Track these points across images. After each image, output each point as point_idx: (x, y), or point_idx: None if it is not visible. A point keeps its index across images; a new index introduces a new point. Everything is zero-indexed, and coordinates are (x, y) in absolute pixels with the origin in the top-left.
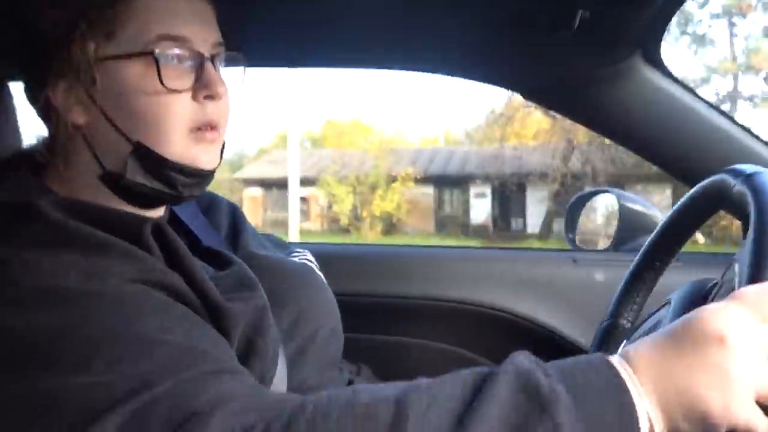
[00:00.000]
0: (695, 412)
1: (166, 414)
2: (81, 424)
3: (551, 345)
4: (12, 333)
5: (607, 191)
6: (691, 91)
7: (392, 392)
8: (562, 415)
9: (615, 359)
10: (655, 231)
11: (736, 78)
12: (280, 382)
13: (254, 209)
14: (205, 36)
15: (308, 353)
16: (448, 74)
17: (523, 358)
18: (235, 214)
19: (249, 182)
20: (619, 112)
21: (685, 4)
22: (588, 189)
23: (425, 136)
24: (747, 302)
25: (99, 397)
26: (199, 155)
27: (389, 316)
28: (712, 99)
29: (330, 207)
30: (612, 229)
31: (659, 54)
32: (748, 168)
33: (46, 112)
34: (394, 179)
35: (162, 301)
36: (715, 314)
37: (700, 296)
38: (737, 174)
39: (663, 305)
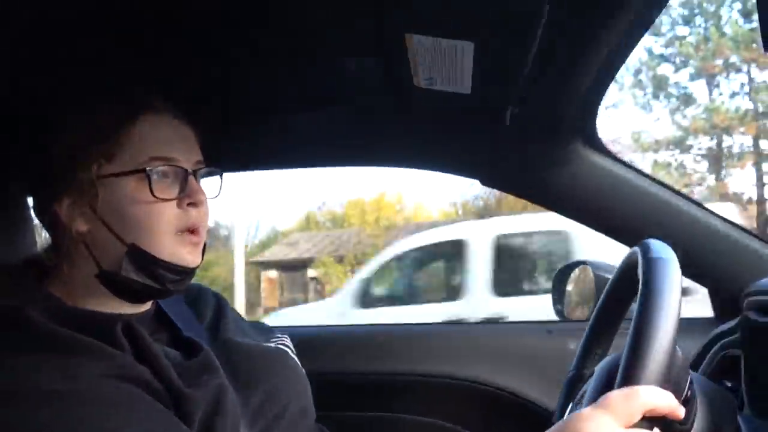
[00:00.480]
0: None
1: None
2: None
3: (531, 415)
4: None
5: (584, 263)
6: (629, 165)
7: None
8: None
9: None
10: (602, 294)
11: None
12: None
13: (271, 290)
14: (189, 155)
15: (276, 430)
16: (411, 167)
17: None
18: (219, 304)
19: (267, 265)
20: (567, 191)
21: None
22: (568, 261)
23: (443, 208)
24: (612, 409)
25: None
26: (184, 255)
27: (377, 393)
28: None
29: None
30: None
31: (596, 136)
32: (653, 245)
33: (52, 223)
34: None
35: (128, 396)
36: (583, 424)
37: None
38: (644, 250)
39: (591, 375)
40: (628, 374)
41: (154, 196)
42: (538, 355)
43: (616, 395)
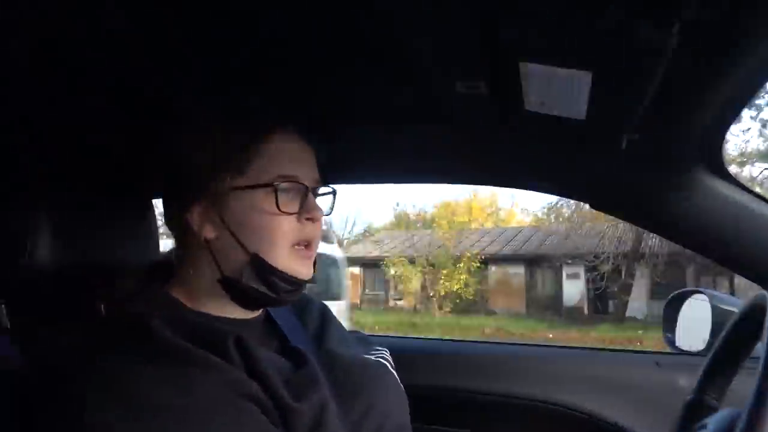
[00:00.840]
0: None
1: None
2: None
3: None
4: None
5: (700, 291)
6: (757, 195)
7: None
8: None
9: None
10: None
11: None
12: None
13: (354, 286)
14: (309, 174)
15: None
16: (519, 188)
17: None
18: (324, 316)
19: (351, 261)
20: (686, 220)
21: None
22: (682, 289)
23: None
24: None
25: None
26: (299, 268)
27: (469, 411)
28: None
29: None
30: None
31: (721, 163)
32: None
33: (181, 229)
34: (458, 259)
35: (239, 410)
36: None
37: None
38: None
39: (699, 427)
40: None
41: (278, 208)
42: (645, 387)
43: None
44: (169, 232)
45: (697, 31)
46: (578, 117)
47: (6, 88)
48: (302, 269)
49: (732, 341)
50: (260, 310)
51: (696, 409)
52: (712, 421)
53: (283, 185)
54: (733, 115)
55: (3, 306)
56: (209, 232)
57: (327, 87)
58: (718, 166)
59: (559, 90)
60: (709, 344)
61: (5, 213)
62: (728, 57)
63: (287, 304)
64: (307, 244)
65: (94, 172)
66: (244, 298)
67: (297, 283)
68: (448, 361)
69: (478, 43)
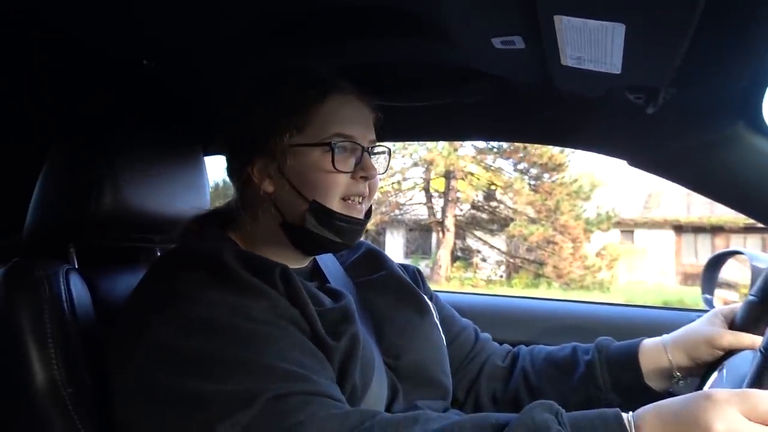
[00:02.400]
0: None
1: (265, 424)
2: (215, 419)
3: None
4: (176, 350)
5: (740, 252)
6: None
7: (441, 427)
8: None
9: (628, 418)
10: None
11: None
12: (375, 398)
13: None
14: (365, 134)
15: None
16: (555, 144)
17: (541, 409)
18: (373, 255)
19: None
20: (726, 177)
21: None
22: (721, 250)
23: None
24: (747, 401)
25: (228, 401)
26: (352, 213)
27: None
28: None
29: None
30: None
31: (762, 119)
32: None
33: (243, 182)
34: None
35: (283, 331)
36: (713, 407)
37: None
38: None
39: (718, 369)
40: None
41: (334, 167)
42: None
43: (761, 396)
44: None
45: None
46: (614, 71)
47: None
48: (355, 214)
49: None
50: (310, 259)
51: (757, 310)
52: (731, 365)
53: (340, 144)
54: None
55: (72, 248)
56: (268, 186)
57: (366, 49)
58: (758, 122)
59: (594, 43)
60: None
61: (72, 165)
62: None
63: (349, 246)
64: (361, 197)
65: (152, 126)
66: (307, 242)
67: (357, 222)
68: (484, 316)
69: None
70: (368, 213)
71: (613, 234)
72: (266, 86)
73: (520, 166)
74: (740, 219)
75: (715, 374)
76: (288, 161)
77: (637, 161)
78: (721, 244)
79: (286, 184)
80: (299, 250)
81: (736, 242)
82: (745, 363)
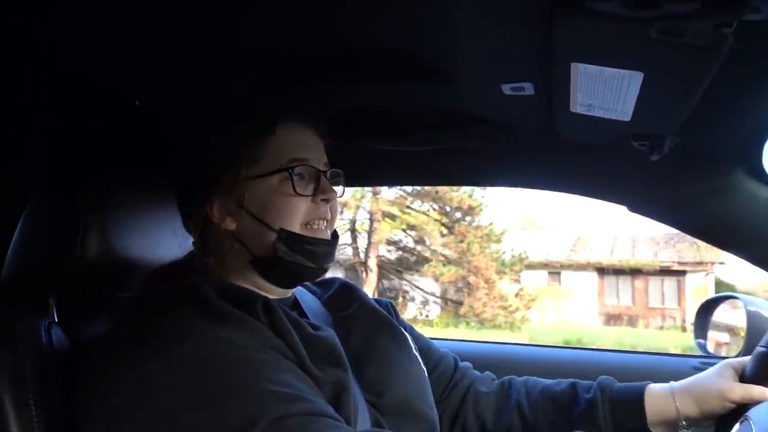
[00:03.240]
0: None
1: None
2: None
3: None
4: (165, 386)
5: (735, 297)
6: None
7: None
8: None
9: None
10: None
11: None
12: (361, 427)
13: None
14: (320, 158)
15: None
16: (557, 190)
17: None
18: (347, 290)
19: None
20: (726, 223)
21: None
22: (716, 294)
23: None
24: None
25: (224, 429)
26: (319, 235)
27: None
28: None
29: None
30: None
31: (761, 166)
32: None
33: (203, 224)
34: None
35: (274, 358)
36: None
37: None
38: None
39: (741, 422)
40: None
41: (295, 191)
42: None
43: None
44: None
45: (749, 32)
46: (623, 119)
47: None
48: (321, 236)
49: None
50: (290, 292)
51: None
52: (757, 415)
53: (297, 169)
54: None
55: (52, 299)
56: (230, 224)
57: (372, 91)
58: (758, 169)
59: (607, 91)
60: (744, 350)
61: (57, 211)
62: None
63: (324, 270)
64: (324, 223)
65: (136, 173)
66: (281, 273)
67: (325, 243)
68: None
69: (528, 44)
70: (334, 234)
71: (541, 276)
72: (216, 125)
73: (436, 208)
74: (656, 262)
75: (737, 426)
76: (246, 195)
77: (636, 207)
78: (640, 286)
79: (247, 218)
80: (274, 283)
81: (654, 284)
82: None
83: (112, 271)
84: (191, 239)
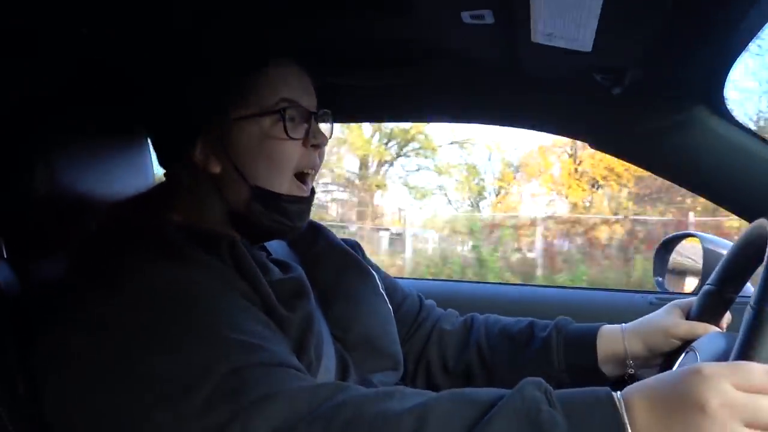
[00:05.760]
0: None
1: (227, 401)
2: (166, 398)
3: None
4: (119, 326)
5: (693, 234)
6: (758, 136)
7: (420, 403)
8: None
9: (618, 397)
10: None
11: None
12: (325, 371)
13: None
14: (310, 100)
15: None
16: (518, 126)
17: (532, 386)
18: (316, 231)
19: None
20: (686, 160)
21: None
22: (674, 233)
23: None
24: (739, 373)
25: (180, 377)
26: (299, 193)
27: None
28: None
29: None
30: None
31: (723, 103)
32: None
33: (183, 166)
34: None
35: (233, 301)
36: (704, 382)
37: (722, 352)
38: None
39: (686, 352)
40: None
41: (287, 134)
42: None
43: (752, 366)
44: None
45: None
46: (584, 49)
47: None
48: (300, 193)
49: (746, 245)
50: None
51: (714, 300)
52: (700, 345)
53: (290, 111)
54: (736, 54)
55: (1, 237)
56: (215, 167)
57: (328, 23)
58: (719, 106)
59: (567, 18)
60: (700, 287)
61: (4, 146)
62: None
63: (299, 229)
64: (306, 174)
65: (89, 106)
66: (255, 231)
67: (303, 201)
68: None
69: None
70: (312, 190)
71: None
72: (202, 58)
73: None
74: None
75: (682, 357)
76: (233, 136)
77: (599, 143)
78: None
79: (230, 166)
80: (245, 237)
81: None
82: (714, 342)
83: (65, 207)
84: (147, 176)
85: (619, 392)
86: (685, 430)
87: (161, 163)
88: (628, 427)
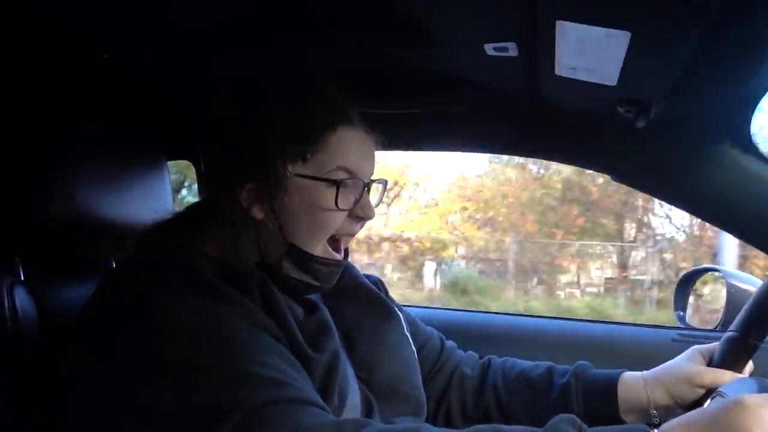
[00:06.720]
0: None
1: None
2: (197, 428)
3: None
4: (143, 360)
5: (716, 269)
6: None
7: None
8: None
9: None
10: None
11: None
12: (350, 413)
13: None
14: (368, 169)
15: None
16: (539, 157)
17: (565, 422)
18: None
19: None
20: (710, 196)
21: None
22: (697, 266)
23: None
24: None
25: (205, 412)
26: (333, 255)
27: None
28: None
29: None
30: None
31: (749, 138)
32: None
33: (226, 203)
34: None
35: (261, 338)
36: (747, 412)
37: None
38: None
39: (712, 397)
40: None
41: (336, 205)
42: (660, 362)
43: None
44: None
45: None
46: (609, 83)
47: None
48: (336, 256)
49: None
50: None
51: (738, 347)
52: (728, 390)
53: (344, 180)
54: (764, 91)
55: (18, 260)
56: (258, 213)
57: (355, 52)
58: (745, 141)
59: (592, 52)
60: (723, 323)
61: (23, 168)
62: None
63: (326, 290)
64: (341, 240)
65: (110, 130)
66: (283, 285)
67: (334, 264)
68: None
69: (511, 0)
70: (346, 252)
71: None
72: (272, 98)
73: None
74: None
75: (708, 401)
76: (283, 191)
77: (620, 176)
78: None
79: (272, 218)
80: (282, 293)
81: None
82: (744, 385)
83: (82, 232)
84: (166, 201)
85: (656, 429)
86: None
87: (202, 191)
88: None
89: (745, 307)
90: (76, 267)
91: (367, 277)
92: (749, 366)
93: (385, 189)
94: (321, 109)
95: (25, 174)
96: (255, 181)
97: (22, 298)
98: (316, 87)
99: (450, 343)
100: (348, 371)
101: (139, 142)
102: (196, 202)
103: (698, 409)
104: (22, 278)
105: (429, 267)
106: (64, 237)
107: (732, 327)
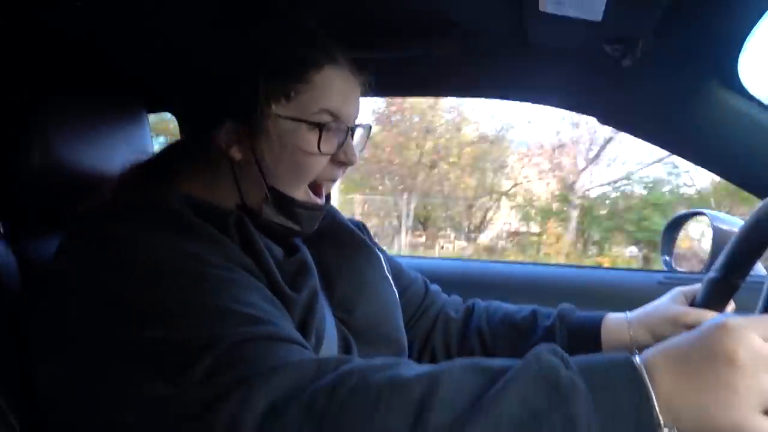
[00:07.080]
0: (707, 428)
1: (229, 371)
2: (169, 370)
3: None
4: (120, 298)
5: (702, 213)
6: None
7: (430, 369)
8: (579, 405)
9: (637, 360)
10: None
11: None
12: (328, 352)
13: None
14: (353, 113)
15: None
16: (524, 100)
17: (547, 351)
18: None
19: None
20: (697, 135)
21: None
22: (683, 211)
23: None
24: (762, 325)
25: (180, 349)
26: (315, 200)
27: None
28: None
29: None
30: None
31: (737, 77)
32: None
33: (203, 146)
34: None
35: (239, 277)
36: (730, 335)
37: None
38: None
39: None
40: None
41: (319, 149)
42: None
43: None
44: None
45: None
46: (594, 18)
47: None
48: (317, 200)
49: (755, 227)
50: None
51: (720, 287)
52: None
53: (328, 123)
54: (751, 25)
55: None
56: (236, 153)
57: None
58: (732, 79)
59: None
60: (708, 266)
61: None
62: None
63: (308, 234)
64: (322, 185)
65: (88, 82)
66: (263, 229)
67: (317, 208)
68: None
69: None
70: (328, 197)
71: None
72: (252, 37)
73: None
74: None
75: None
76: (264, 131)
77: (607, 118)
78: None
79: (252, 159)
80: (263, 235)
81: None
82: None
83: (63, 185)
84: (147, 152)
85: (638, 356)
86: (713, 384)
87: (184, 131)
88: (650, 387)
89: (727, 246)
90: (57, 220)
91: (350, 221)
92: (731, 306)
93: (369, 134)
94: (306, 44)
95: (2, 128)
96: (234, 119)
97: (2, 251)
98: (301, 20)
99: (434, 287)
100: (326, 311)
101: (117, 93)
102: (172, 143)
103: (681, 335)
104: (2, 231)
105: None
106: (44, 190)
107: (714, 267)
